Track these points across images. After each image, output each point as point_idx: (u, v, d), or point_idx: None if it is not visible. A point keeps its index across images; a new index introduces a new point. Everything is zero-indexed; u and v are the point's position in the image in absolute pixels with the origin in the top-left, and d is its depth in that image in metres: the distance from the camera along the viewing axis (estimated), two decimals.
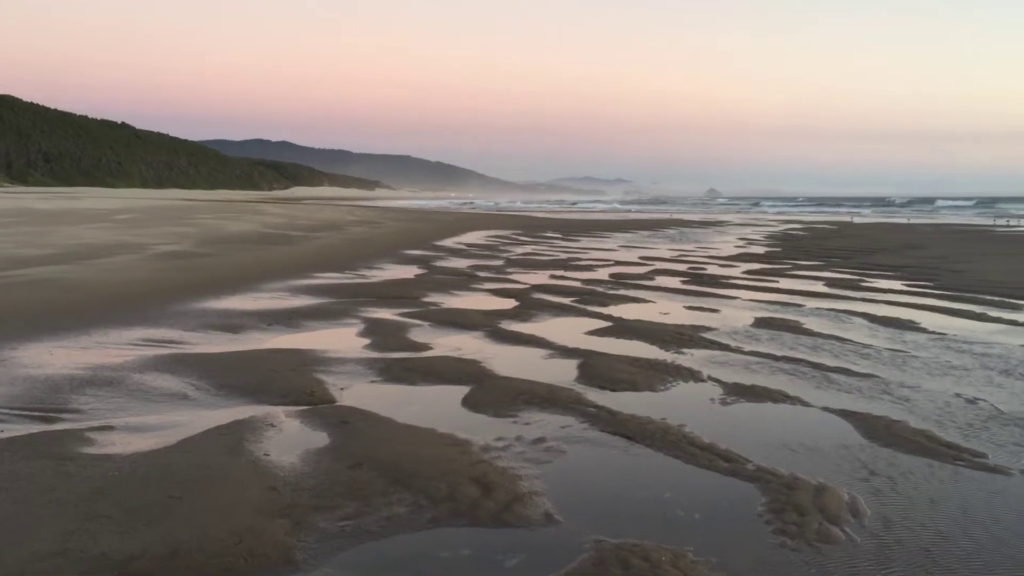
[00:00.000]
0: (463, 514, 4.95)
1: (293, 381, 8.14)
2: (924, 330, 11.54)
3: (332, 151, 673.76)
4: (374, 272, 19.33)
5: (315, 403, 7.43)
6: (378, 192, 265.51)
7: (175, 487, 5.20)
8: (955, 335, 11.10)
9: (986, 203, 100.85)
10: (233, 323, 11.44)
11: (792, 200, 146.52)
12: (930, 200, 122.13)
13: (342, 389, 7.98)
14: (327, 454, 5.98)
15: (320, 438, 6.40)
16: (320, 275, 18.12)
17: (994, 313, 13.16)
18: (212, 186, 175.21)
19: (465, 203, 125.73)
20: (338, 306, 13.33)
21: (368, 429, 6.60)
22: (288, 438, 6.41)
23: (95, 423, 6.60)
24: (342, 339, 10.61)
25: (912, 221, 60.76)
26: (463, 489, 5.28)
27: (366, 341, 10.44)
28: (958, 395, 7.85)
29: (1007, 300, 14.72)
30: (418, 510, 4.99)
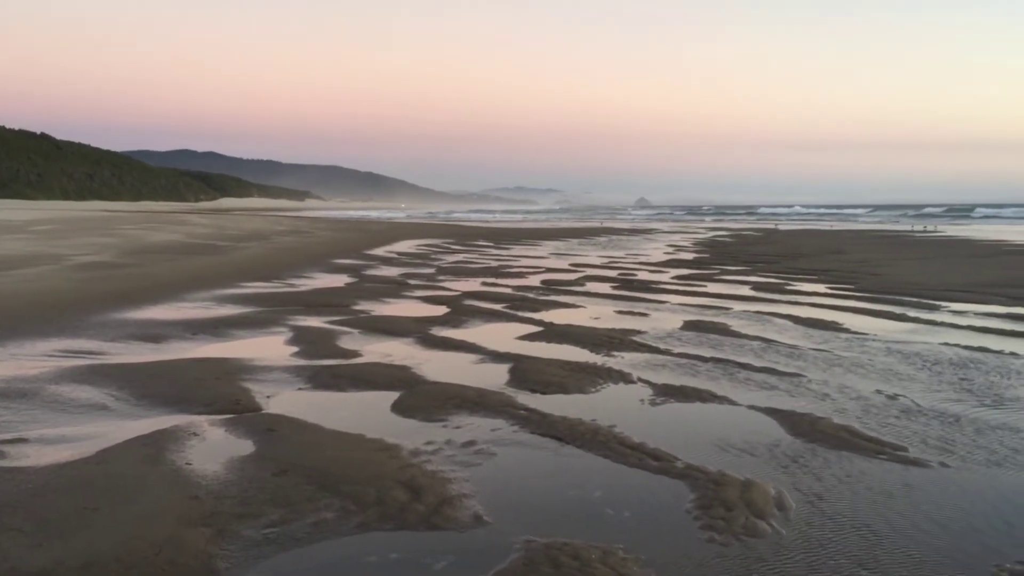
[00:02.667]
0: (392, 518, 4.88)
1: (218, 390, 7.95)
2: (846, 330, 11.81)
3: (261, 162, 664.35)
4: (303, 281, 19.07)
5: (240, 411, 7.26)
6: (308, 203, 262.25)
7: (92, 498, 5.02)
8: (875, 335, 11.38)
9: (898, 209, 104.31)
10: (156, 333, 11.14)
11: (721, 208, 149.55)
12: (853, 207, 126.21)
13: (268, 397, 7.81)
14: (252, 462, 5.84)
15: (245, 446, 6.24)
16: (247, 284, 17.79)
17: (912, 313, 13.53)
18: (137, 197, 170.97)
19: (396, 213, 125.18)
20: (265, 315, 13.10)
21: (295, 436, 6.47)
22: (212, 447, 6.25)
23: (7, 436, 6.34)
24: (269, 347, 10.41)
25: (835, 227, 62.36)
26: (392, 493, 5.20)
27: (294, 349, 10.26)
28: (879, 392, 8.03)
29: (924, 301, 15.16)
30: (346, 515, 4.89)
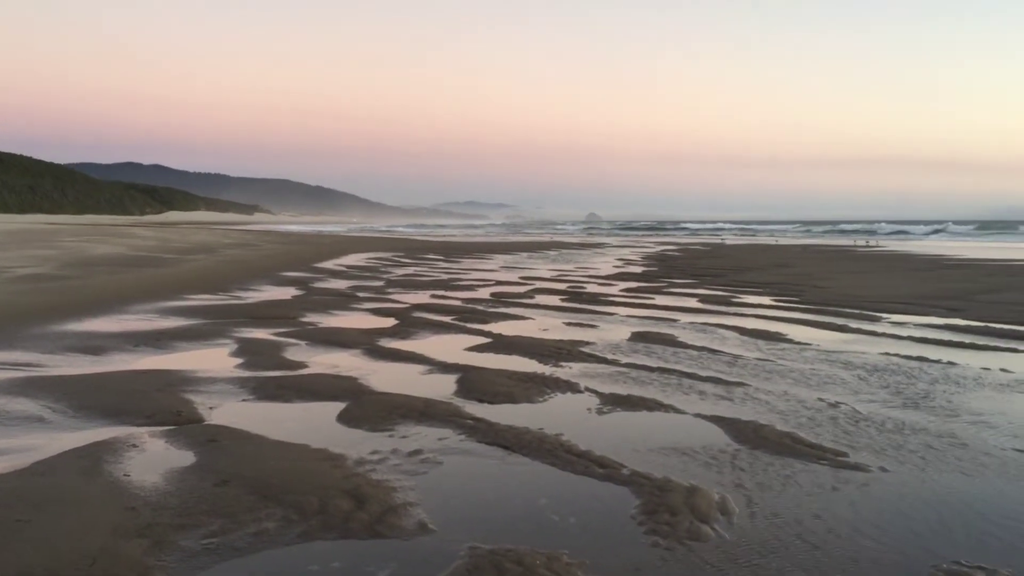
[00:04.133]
0: (335, 527, 4.81)
1: (159, 401, 7.79)
2: (790, 341, 11.98)
3: (209, 175, 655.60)
4: (249, 293, 18.83)
5: (182, 423, 7.12)
6: (257, 216, 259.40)
7: (24, 510, 4.87)
8: (819, 345, 11.57)
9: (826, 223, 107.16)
10: (96, 345, 10.90)
11: (670, 223, 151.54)
12: (804, 222, 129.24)
13: (211, 408, 7.68)
14: (193, 472, 5.73)
15: (186, 457, 6.12)
16: (192, 297, 17.52)
17: (854, 324, 13.79)
18: (80, 211, 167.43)
19: (347, 227, 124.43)
20: (210, 327, 12.90)
21: (238, 447, 6.36)
22: (151, 458, 6.11)
23: None
24: (213, 359, 10.25)
25: (780, 242, 63.38)
26: (335, 502, 5.14)
27: (239, 360, 10.11)
28: (821, 400, 8.15)
29: (865, 312, 15.46)
30: (288, 525, 4.82)
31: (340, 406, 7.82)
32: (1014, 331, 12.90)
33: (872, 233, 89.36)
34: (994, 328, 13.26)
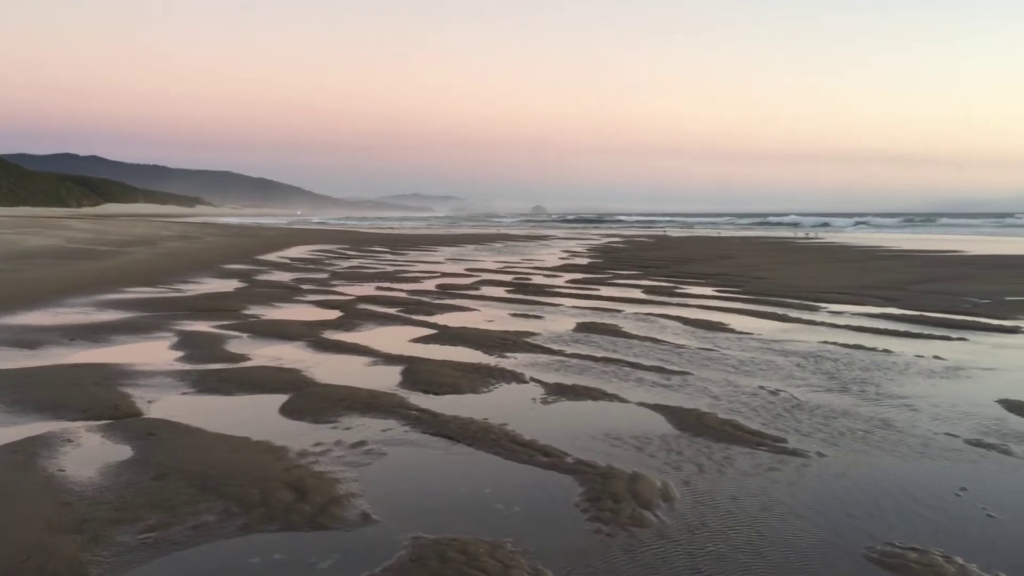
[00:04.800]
0: (276, 519, 4.76)
1: (96, 395, 7.63)
2: (732, 330, 12.16)
3: (148, 166, 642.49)
4: (190, 286, 18.53)
5: (120, 417, 6.98)
6: (198, 209, 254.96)
7: None
8: (759, 334, 11.76)
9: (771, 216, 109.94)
10: (30, 339, 10.63)
11: (614, 215, 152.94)
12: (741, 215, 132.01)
13: (150, 402, 7.55)
14: (130, 466, 5.62)
15: (123, 451, 6.01)
16: (131, 289, 17.18)
17: (793, 314, 14.04)
18: (14, 202, 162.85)
19: (291, 219, 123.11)
20: (149, 320, 12.66)
21: (177, 440, 6.26)
22: (87, 453, 5.99)
23: None
24: (152, 352, 10.07)
25: (723, 234, 64.24)
26: (277, 494, 5.08)
27: (179, 353, 9.95)
28: (762, 387, 8.29)
29: (805, 302, 15.75)
30: (228, 517, 4.76)
31: (283, 398, 7.74)
32: (946, 319, 13.25)
33: (796, 225, 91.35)
34: (927, 317, 13.60)
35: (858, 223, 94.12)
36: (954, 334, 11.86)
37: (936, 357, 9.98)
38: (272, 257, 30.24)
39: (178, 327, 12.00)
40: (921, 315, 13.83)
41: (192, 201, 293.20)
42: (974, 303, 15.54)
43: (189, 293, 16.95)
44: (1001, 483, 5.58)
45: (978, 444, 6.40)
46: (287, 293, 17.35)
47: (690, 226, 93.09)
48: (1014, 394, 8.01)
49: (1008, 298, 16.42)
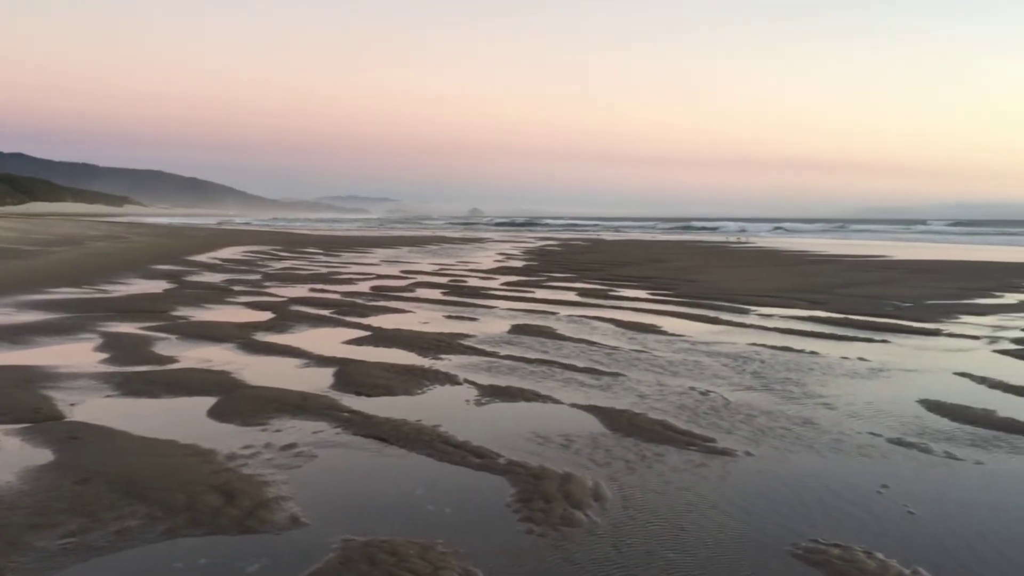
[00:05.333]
0: (202, 523, 4.67)
1: (15, 398, 7.40)
2: (664, 333, 12.31)
3: (75, 164, 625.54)
4: (117, 287, 18.08)
5: (40, 420, 6.78)
6: (127, 208, 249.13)
7: None
8: (691, 336, 11.93)
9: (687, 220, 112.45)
10: None
11: (553, 219, 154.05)
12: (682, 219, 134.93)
13: (73, 405, 7.34)
14: (50, 471, 5.46)
15: (43, 455, 5.83)
16: (54, 290, 16.70)
17: (724, 316, 14.28)
18: None
19: (223, 220, 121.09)
20: (73, 321, 12.32)
21: (100, 443, 6.10)
22: (5, 457, 5.80)
23: None
24: (76, 354, 9.80)
25: (658, 238, 65.05)
26: (203, 498, 4.99)
27: (104, 355, 9.70)
28: (692, 388, 8.41)
29: (735, 305, 16.03)
30: (152, 522, 4.65)
31: (211, 401, 7.60)
32: (870, 322, 13.62)
33: (715, 229, 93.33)
34: (853, 319, 13.96)
35: (776, 228, 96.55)
36: (877, 336, 12.19)
37: (860, 358, 10.24)
38: (203, 258, 29.69)
39: (103, 328, 11.71)
40: (846, 318, 14.18)
41: (121, 201, 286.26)
42: (897, 306, 16.00)
43: (116, 294, 16.54)
44: (921, 480, 5.75)
45: (899, 443, 6.58)
46: (218, 294, 17.05)
47: (618, 229, 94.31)
48: (934, 394, 8.26)
49: (929, 302, 16.93)
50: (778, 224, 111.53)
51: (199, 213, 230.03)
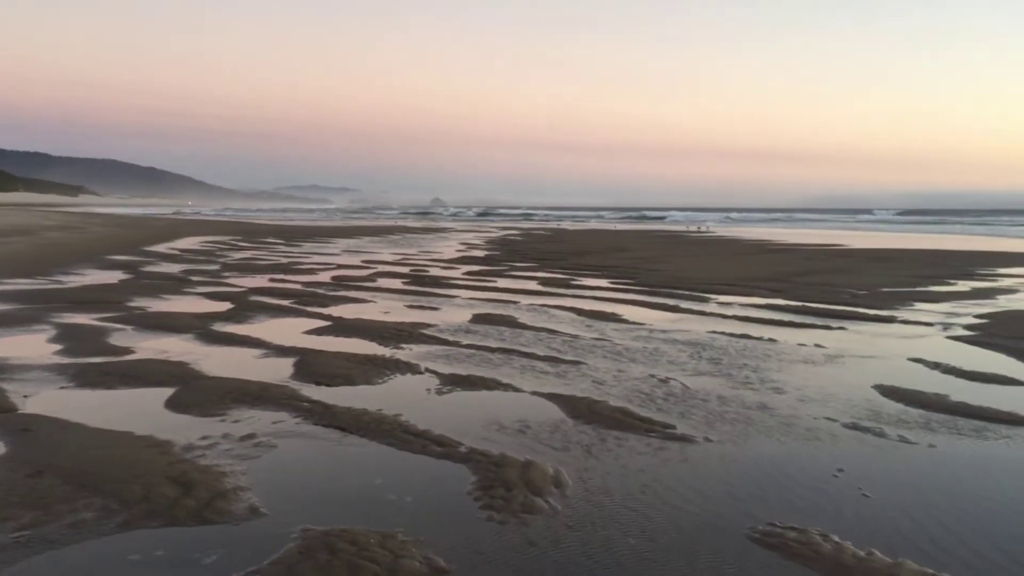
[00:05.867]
0: (159, 515, 4.62)
1: None
2: (625, 321, 12.38)
3: (28, 153, 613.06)
4: (72, 277, 17.79)
5: None
6: (82, 199, 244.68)
7: None
8: (651, 325, 12.01)
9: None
10: None
11: (514, 208, 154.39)
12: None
13: (26, 396, 7.21)
14: (3, 463, 5.37)
15: None
16: (7, 281, 16.38)
17: (685, 305, 14.39)
18: None
19: (182, 210, 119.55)
20: (27, 312, 12.10)
21: (54, 435, 6.00)
22: None
23: None
24: (29, 346, 9.62)
25: (619, 227, 65.33)
26: (160, 490, 4.93)
27: (58, 347, 9.54)
28: (652, 376, 8.47)
29: (696, 294, 16.17)
30: (108, 514, 4.59)
31: (168, 392, 7.51)
32: (828, 310, 13.80)
33: (663, 219, 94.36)
34: (810, 307, 14.14)
35: (726, 218, 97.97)
36: (834, 323, 12.36)
37: (817, 345, 10.38)
38: (160, 248, 29.30)
39: (58, 319, 11.51)
40: (804, 305, 14.36)
41: (76, 190, 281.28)
42: (853, 294, 16.23)
43: (70, 285, 16.27)
44: (875, 464, 5.84)
45: (854, 427, 6.69)
46: (175, 285, 16.84)
47: (569, 219, 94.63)
48: (888, 380, 8.40)
49: (884, 289, 17.20)
50: (727, 213, 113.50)
51: (156, 203, 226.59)
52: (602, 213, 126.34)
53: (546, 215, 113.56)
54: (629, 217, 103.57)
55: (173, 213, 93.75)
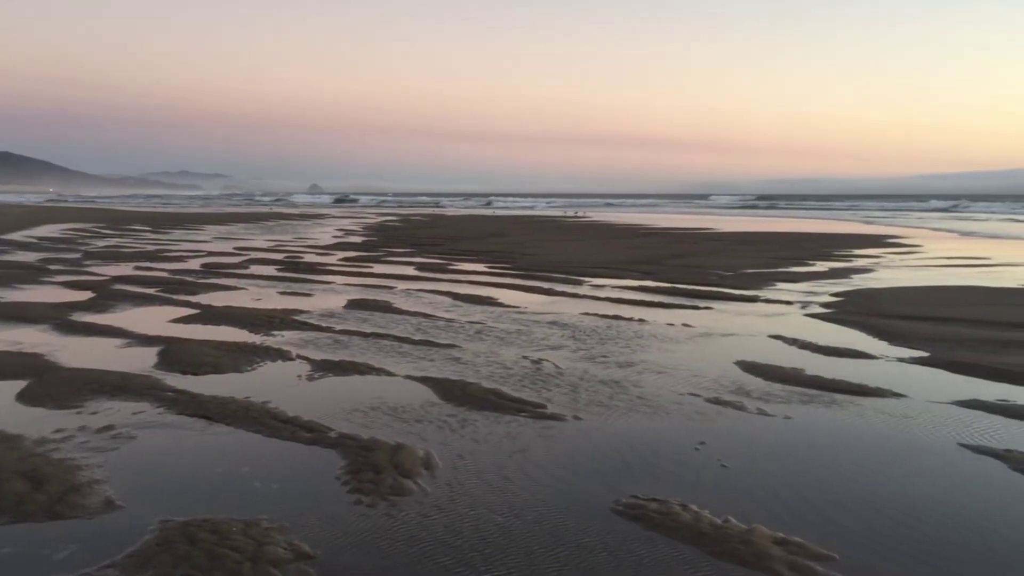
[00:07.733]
0: (6, 511, 4.40)
1: None
2: (501, 304, 12.48)
3: None
4: None
5: None
6: None
7: None
8: (527, 308, 12.14)
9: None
10: None
11: (393, 195, 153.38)
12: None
13: None
14: None
15: None
16: None
17: (559, 288, 14.62)
18: None
19: (41, 197, 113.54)
20: None
21: None
22: None
23: None
24: None
25: (497, 213, 65.66)
26: (9, 485, 4.69)
27: None
28: (525, 357, 8.57)
29: (570, 277, 16.45)
30: None
31: (21, 384, 7.17)
32: (696, 291, 14.26)
33: (532, 207, 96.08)
34: (680, 288, 14.58)
35: (609, 204, 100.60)
36: (702, 304, 12.78)
37: (685, 324, 10.71)
38: (16, 236, 27.77)
39: None
40: (673, 287, 14.79)
41: None
42: (720, 275, 16.82)
43: None
44: (735, 436, 6.08)
45: (716, 402, 6.95)
46: (32, 274, 16.02)
47: (441, 204, 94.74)
48: (749, 356, 8.75)
49: (748, 271, 17.90)
50: (606, 200, 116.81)
51: (13, 190, 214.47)
52: (477, 198, 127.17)
53: (414, 201, 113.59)
54: (480, 204, 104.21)
55: (33, 202, 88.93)
